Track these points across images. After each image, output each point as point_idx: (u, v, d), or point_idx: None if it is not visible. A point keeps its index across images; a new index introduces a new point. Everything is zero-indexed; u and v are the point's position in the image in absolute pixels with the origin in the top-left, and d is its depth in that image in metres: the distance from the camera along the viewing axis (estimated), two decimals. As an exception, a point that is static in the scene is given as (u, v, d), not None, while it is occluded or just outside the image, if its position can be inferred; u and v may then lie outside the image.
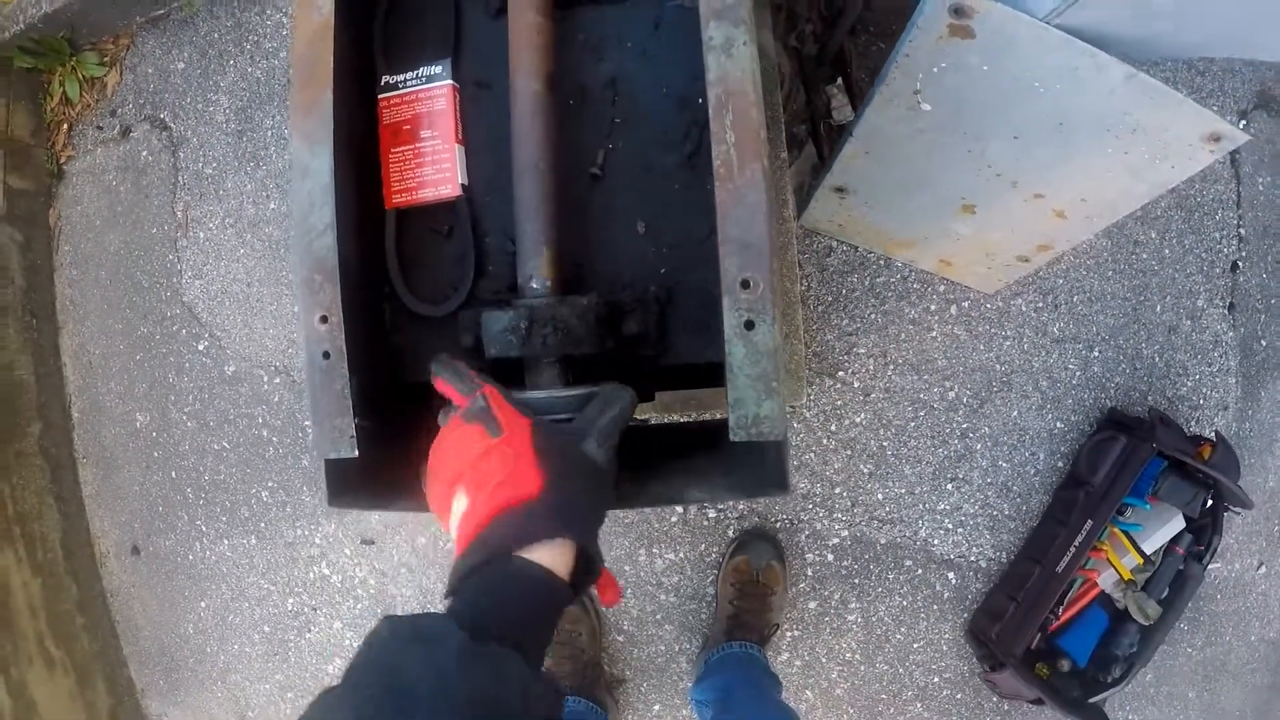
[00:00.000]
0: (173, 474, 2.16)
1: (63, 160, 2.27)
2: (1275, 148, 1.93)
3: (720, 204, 0.69)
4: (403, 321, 0.95)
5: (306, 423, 1.98)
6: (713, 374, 0.80)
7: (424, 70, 0.93)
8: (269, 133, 2.03)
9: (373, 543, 2.00)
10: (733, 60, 0.71)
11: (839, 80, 1.59)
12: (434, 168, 0.92)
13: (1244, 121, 1.91)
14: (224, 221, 2.07)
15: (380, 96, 0.94)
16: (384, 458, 0.83)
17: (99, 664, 2.28)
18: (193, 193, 2.10)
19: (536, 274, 0.82)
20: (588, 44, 0.92)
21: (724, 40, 0.71)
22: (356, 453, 0.78)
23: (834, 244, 1.82)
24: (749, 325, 0.67)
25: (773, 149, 1.26)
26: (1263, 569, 1.94)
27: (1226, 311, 1.89)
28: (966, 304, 1.82)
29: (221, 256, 2.07)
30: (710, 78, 0.71)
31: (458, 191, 0.92)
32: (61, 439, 2.28)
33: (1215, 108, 1.89)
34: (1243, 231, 1.90)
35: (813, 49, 1.52)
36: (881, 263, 1.82)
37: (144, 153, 2.15)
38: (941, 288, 1.82)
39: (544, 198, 0.83)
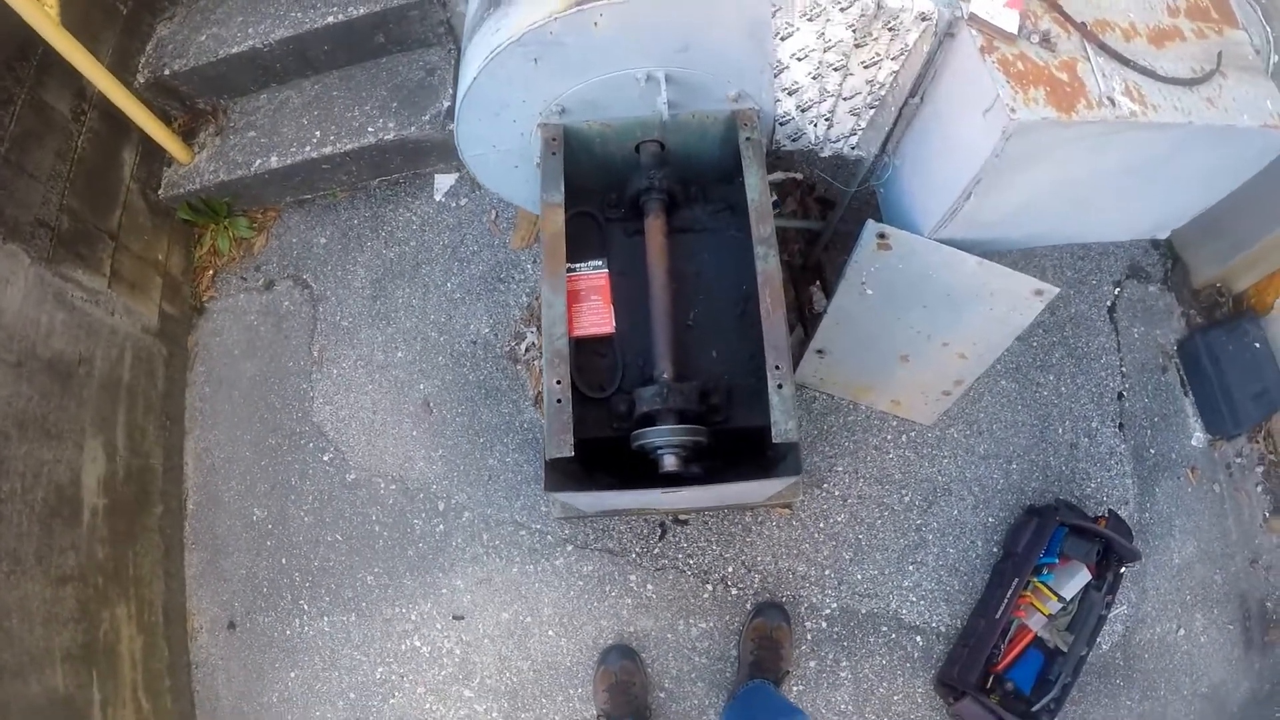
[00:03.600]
0: (283, 560, 3.03)
1: (205, 299, 3.34)
2: (1144, 305, 3.14)
3: (765, 330, 1.72)
4: (576, 401, 1.93)
5: (416, 521, 2.94)
6: (752, 436, 1.80)
7: (592, 262, 2.01)
8: (399, 301, 3.13)
9: (462, 618, 2.85)
10: (768, 263, 1.77)
11: (817, 282, 2.72)
12: (598, 316, 1.97)
13: (1119, 288, 3.10)
14: (355, 363, 3.11)
15: (568, 274, 2.00)
16: (577, 467, 1.80)
17: (176, 724, 3.01)
18: (328, 338, 3.16)
19: (665, 369, 1.84)
20: (685, 251, 2.01)
21: (764, 253, 1.78)
22: (573, 453, 1.73)
23: (816, 394, 2.91)
24: (780, 386, 1.68)
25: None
26: (1182, 631, 2.88)
27: (1118, 429, 2.98)
28: (914, 433, 2.90)
29: (351, 389, 3.09)
30: (758, 269, 1.77)
31: (612, 330, 1.96)
32: (175, 524, 3.16)
33: (1095, 279, 3.12)
34: (1124, 369, 3.04)
35: (799, 261, 2.67)
36: (850, 405, 2.92)
37: (285, 303, 3.23)
38: (894, 422, 2.91)
39: (666, 333, 1.87)
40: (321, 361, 3.14)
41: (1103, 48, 1.68)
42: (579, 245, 2.03)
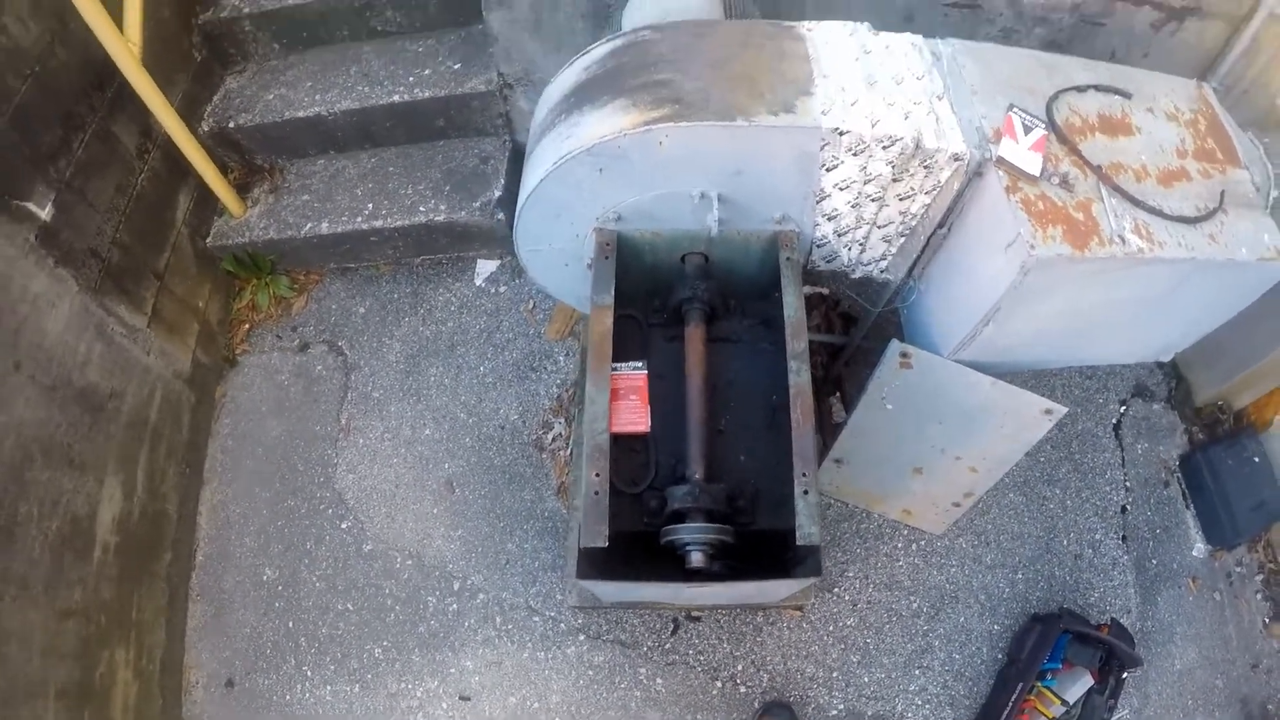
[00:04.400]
0: (290, 623, 3.09)
1: (238, 351, 3.48)
2: (1148, 422, 3.29)
3: (794, 439, 1.85)
4: (609, 494, 2.04)
5: (430, 598, 3.01)
6: (775, 538, 1.91)
7: (633, 363, 2.15)
8: (431, 379, 3.28)
9: (469, 699, 2.90)
10: (801, 377, 1.91)
11: (837, 394, 2.86)
12: (635, 415, 2.11)
13: (1125, 406, 3.24)
14: (382, 435, 3.24)
15: (611, 372, 2.13)
16: (610, 559, 1.89)
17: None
18: (358, 407, 3.30)
19: (696, 470, 1.96)
20: (721, 360, 2.16)
21: (797, 367, 1.92)
22: (607, 544, 1.84)
23: (832, 502, 3.04)
24: (805, 491, 1.80)
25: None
26: (1184, 735, 2.94)
27: (1121, 541, 3.10)
28: (923, 542, 3.02)
29: (376, 461, 3.21)
30: (791, 381, 1.90)
31: (647, 429, 2.09)
32: (183, 573, 3.22)
33: (1101, 398, 3.29)
34: (1128, 484, 3.17)
35: (820, 373, 2.81)
36: (863, 514, 3.05)
37: (319, 367, 3.37)
38: (905, 530, 3.03)
39: (700, 436, 2.00)
40: (349, 430, 3.26)
41: (1116, 189, 1.85)
42: (621, 346, 2.14)
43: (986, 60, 1.99)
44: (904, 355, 2.13)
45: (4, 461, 2.54)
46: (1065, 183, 1.80)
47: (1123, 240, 1.77)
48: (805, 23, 1.98)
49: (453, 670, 2.91)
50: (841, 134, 1.76)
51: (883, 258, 2.13)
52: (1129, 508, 3.13)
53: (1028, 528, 3.05)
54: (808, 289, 2.32)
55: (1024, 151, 1.81)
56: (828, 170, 1.86)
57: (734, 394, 2.15)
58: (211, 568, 3.21)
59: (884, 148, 1.78)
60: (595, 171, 1.91)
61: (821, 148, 1.79)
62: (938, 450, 2.44)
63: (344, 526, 3.13)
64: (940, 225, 1.96)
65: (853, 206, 1.96)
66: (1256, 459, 3.05)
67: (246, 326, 3.50)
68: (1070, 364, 2.48)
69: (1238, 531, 3.06)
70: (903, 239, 2.06)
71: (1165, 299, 1.99)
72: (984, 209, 1.86)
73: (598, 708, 2.83)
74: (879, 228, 2.02)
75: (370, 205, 3.20)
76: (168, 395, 3.19)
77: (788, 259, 2.02)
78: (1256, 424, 3.13)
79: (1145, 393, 3.32)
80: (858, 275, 2.21)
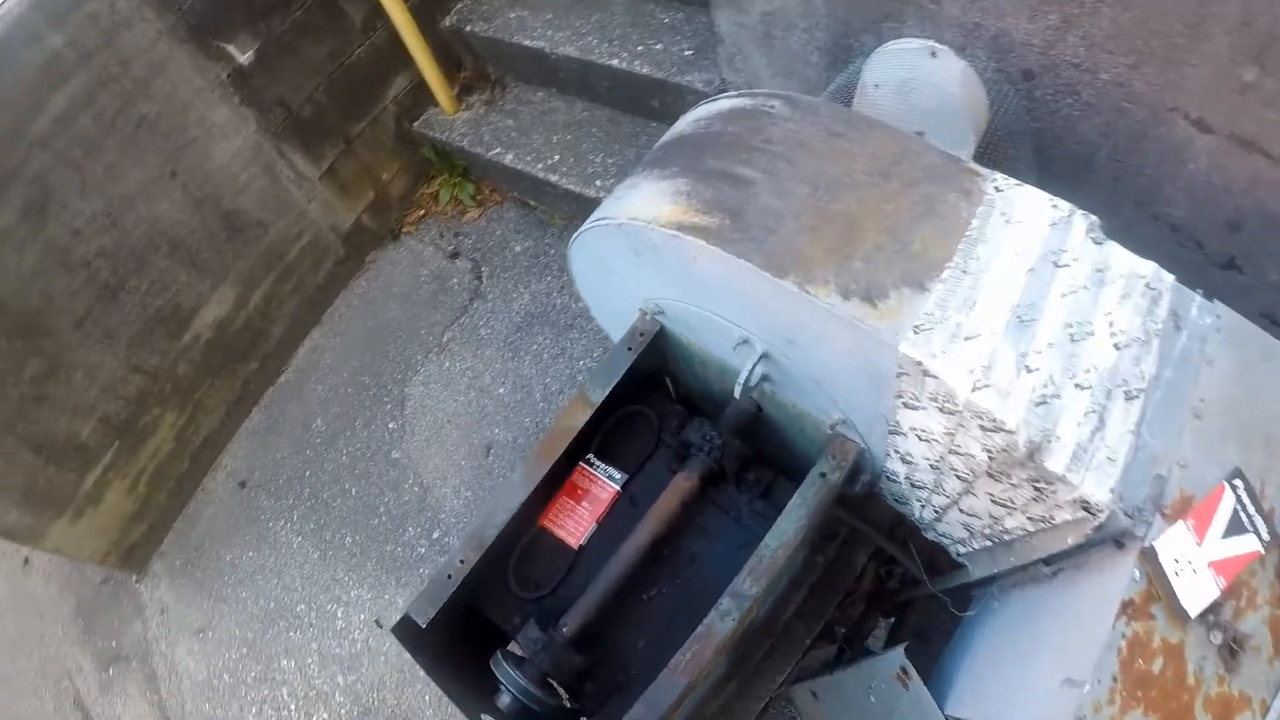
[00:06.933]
0: (307, 472, 2.84)
1: (403, 230, 3.16)
2: None
3: (659, 681, 1.18)
4: (500, 586, 1.49)
5: (410, 529, 2.63)
6: None
7: (611, 471, 1.52)
8: (535, 346, 2.78)
9: (381, 627, 2.55)
10: (723, 622, 1.21)
11: (892, 619, 2.00)
12: (574, 524, 1.50)
13: None
14: (464, 370, 2.81)
15: (580, 464, 1.54)
16: (433, 638, 1.36)
17: (159, 520, 3.00)
18: (463, 334, 2.88)
19: (570, 626, 1.35)
20: (698, 527, 1.47)
21: (728, 608, 1.22)
22: (425, 625, 1.31)
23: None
24: None
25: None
26: None
27: None
28: None
29: (447, 388, 2.80)
30: (705, 621, 1.21)
31: (576, 544, 1.48)
32: (260, 384, 3.06)
33: None
34: None
35: (892, 583, 1.97)
36: None
37: (455, 280, 2.98)
38: None
39: (602, 594, 1.36)
40: (444, 348, 2.88)
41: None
42: (616, 444, 1.56)
43: (1252, 367, 1.07)
44: (904, 673, 1.36)
45: (132, 241, 2.54)
46: (1231, 649, 0.92)
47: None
48: (1001, 177, 1.15)
49: (386, 597, 2.58)
50: (925, 374, 1.01)
51: (960, 543, 1.34)
52: None
53: None
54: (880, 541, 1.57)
55: (1202, 557, 0.94)
56: (906, 406, 1.11)
57: (688, 570, 1.44)
58: (284, 391, 3.05)
59: (983, 428, 1.01)
60: (631, 251, 1.28)
61: (898, 375, 1.06)
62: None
63: (390, 426, 2.80)
64: (1046, 563, 1.16)
65: (932, 468, 1.18)
66: None
67: (421, 213, 3.18)
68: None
69: None
70: (989, 544, 1.27)
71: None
72: (1084, 599, 1.04)
73: None
74: (960, 511, 1.24)
75: (557, 157, 2.70)
76: (316, 241, 2.98)
77: (821, 474, 1.29)
78: None
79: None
80: (931, 537, 1.44)
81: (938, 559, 1.61)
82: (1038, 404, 0.98)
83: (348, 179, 2.97)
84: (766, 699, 1.69)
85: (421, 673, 2.35)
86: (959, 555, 1.40)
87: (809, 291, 1.01)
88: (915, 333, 1.00)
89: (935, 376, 0.98)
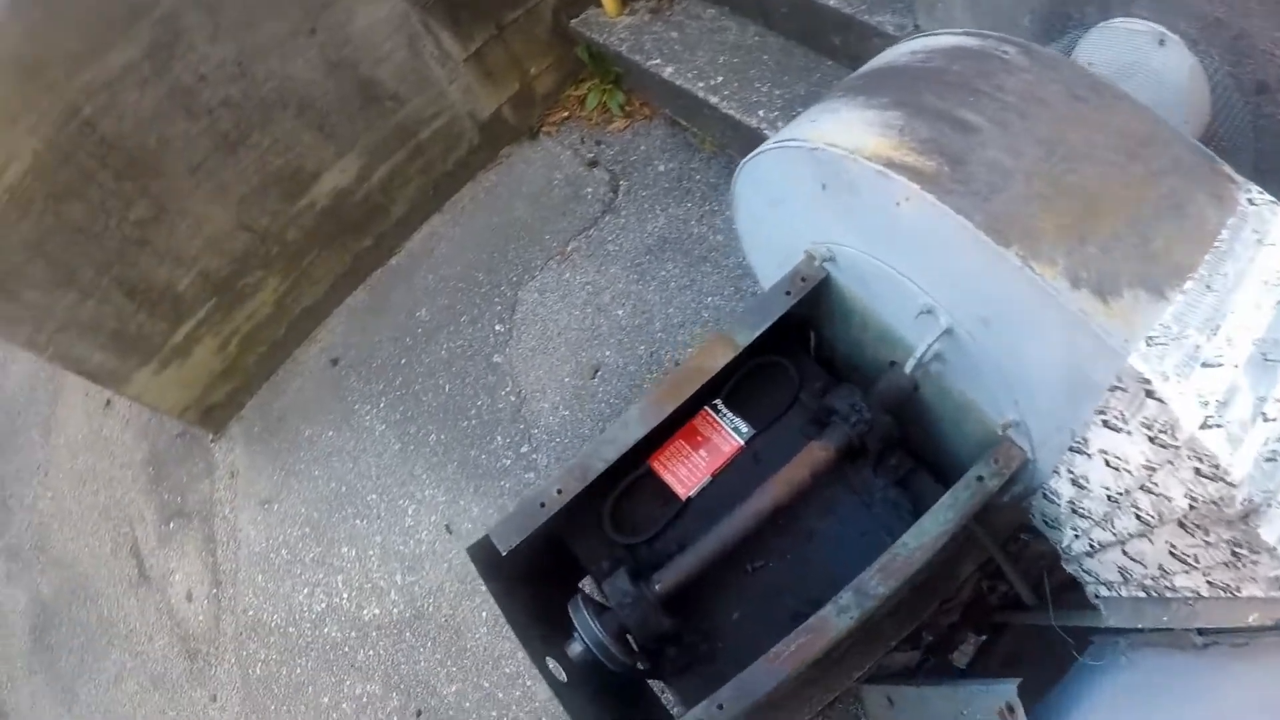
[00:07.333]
0: (403, 360, 2.92)
1: (543, 129, 3.14)
2: None
3: (751, 667, 1.15)
4: (591, 522, 1.47)
5: (499, 438, 2.68)
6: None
7: (738, 423, 1.48)
8: (662, 273, 2.74)
9: (451, 534, 2.61)
10: (839, 619, 1.15)
11: (984, 636, 1.92)
12: (687, 471, 1.47)
13: None
14: (584, 285, 2.81)
15: (705, 408, 1.50)
16: (509, 567, 1.37)
17: (244, 383, 3.13)
18: (589, 245, 2.86)
19: (662, 583, 1.32)
20: (823, 502, 1.41)
21: (847, 603, 1.17)
22: (504, 553, 1.31)
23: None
24: None
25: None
26: None
27: None
28: None
29: (562, 300, 2.81)
30: (822, 613, 1.17)
31: (684, 495, 1.45)
32: (370, 263, 3.13)
33: None
34: None
35: (993, 599, 1.88)
36: None
37: (589, 189, 2.95)
38: None
39: (707, 557, 1.33)
40: (565, 257, 2.87)
41: None
42: (749, 395, 1.51)
43: None
44: (1009, 710, 1.28)
45: (260, 94, 2.56)
46: None
47: None
48: (1257, 190, 1.02)
49: (461, 503, 2.64)
50: (1150, 394, 0.91)
51: (1106, 586, 1.25)
52: None
53: None
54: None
55: None
56: (1103, 423, 1.02)
57: (803, 548, 1.41)
58: (394, 274, 3.12)
59: (1198, 472, 0.91)
60: (817, 184, 1.20)
61: (1111, 389, 0.96)
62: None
63: (497, 328, 2.84)
64: (1201, 632, 1.06)
65: (1109, 500, 1.09)
66: None
67: (564, 115, 3.14)
68: None
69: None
70: (1143, 595, 1.17)
71: None
72: (1241, 686, 0.96)
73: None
74: (1125, 553, 1.14)
75: (720, 78, 2.60)
76: (451, 125, 2.99)
77: (979, 478, 1.21)
78: None
79: None
80: (1069, 570, 1.34)
81: (1044, 584, 1.53)
82: (1267, 459, 0.88)
83: (494, 66, 2.95)
84: (838, 692, 1.65)
85: (483, 587, 2.44)
86: (1096, 597, 1.30)
87: (1033, 268, 0.92)
88: (1148, 344, 0.90)
89: (1161, 401, 0.88)
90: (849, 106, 1.21)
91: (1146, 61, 1.52)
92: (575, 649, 1.33)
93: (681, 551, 1.37)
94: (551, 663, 1.39)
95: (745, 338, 1.37)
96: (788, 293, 1.39)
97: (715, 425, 1.50)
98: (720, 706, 1.15)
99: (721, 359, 1.37)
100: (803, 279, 1.39)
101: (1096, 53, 1.52)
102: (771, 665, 1.16)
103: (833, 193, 1.18)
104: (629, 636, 1.33)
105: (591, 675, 1.41)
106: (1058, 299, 0.91)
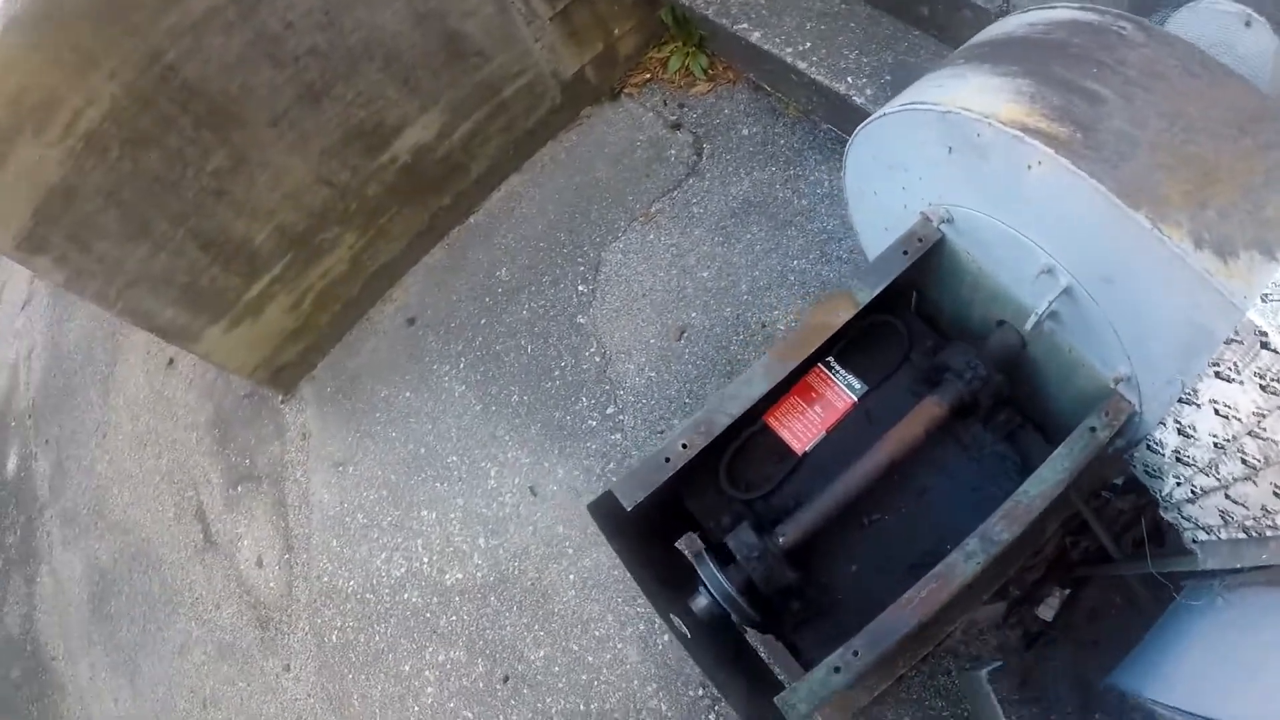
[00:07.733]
0: (483, 320, 3.10)
1: (624, 90, 3.30)
2: None
3: (884, 614, 1.31)
4: (708, 479, 1.64)
5: (584, 399, 2.83)
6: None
7: (852, 379, 1.64)
8: (747, 236, 2.88)
9: (536, 495, 2.77)
10: (967, 563, 1.31)
11: (1068, 590, 2.08)
12: (803, 427, 1.63)
13: None
14: (669, 246, 2.97)
15: (818, 365, 1.66)
16: (633, 524, 1.54)
17: (317, 343, 3.27)
18: (672, 207, 3.03)
19: (787, 537, 1.48)
20: (936, 461, 1.58)
21: (973, 549, 1.33)
22: (629, 509, 1.48)
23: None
24: (836, 670, 1.29)
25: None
26: None
27: None
28: None
29: (646, 261, 2.97)
30: (949, 560, 1.33)
31: (800, 451, 1.62)
32: (448, 221, 3.28)
33: None
34: None
35: (1075, 554, 2.04)
36: None
37: (672, 151, 3.11)
38: None
39: (826, 510, 1.48)
40: (649, 218, 3.03)
41: None
42: (861, 352, 1.67)
43: None
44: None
45: (347, 45, 2.61)
46: None
47: None
48: None
49: (546, 465, 2.78)
50: (1265, 345, 1.06)
51: (1206, 530, 1.40)
52: None
53: None
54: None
55: None
56: (1216, 374, 1.17)
57: (915, 502, 1.57)
58: (473, 233, 3.28)
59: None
60: (943, 147, 1.35)
61: (1228, 340, 1.11)
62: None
63: (580, 289, 3.00)
64: None
65: (1215, 447, 1.25)
66: None
67: (647, 76, 3.28)
68: None
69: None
70: (1244, 535, 1.32)
71: None
72: None
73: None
74: (1228, 497, 1.30)
75: (808, 44, 2.73)
76: (534, 84, 3.11)
77: (1092, 429, 1.36)
78: None
79: None
80: (1167, 516, 1.50)
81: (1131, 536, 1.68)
82: (1373, 401, 1.02)
83: (579, 26, 3.07)
84: (934, 645, 1.81)
85: (570, 549, 2.65)
86: (1194, 541, 1.45)
87: (1161, 230, 1.07)
88: (1263, 300, 1.05)
89: (1275, 351, 1.03)
90: (976, 73, 1.36)
91: (1232, 42, 1.62)
92: (701, 602, 1.47)
93: (800, 506, 1.53)
94: (675, 620, 1.51)
95: (865, 295, 1.53)
96: (905, 252, 1.54)
97: (829, 382, 1.65)
98: (856, 653, 1.30)
99: (844, 315, 1.53)
100: (919, 239, 1.54)
101: (1184, 31, 1.64)
102: (902, 612, 1.31)
103: (959, 155, 1.34)
104: (754, 590, 1.46)
105: (710, 631, 1.57)
106: (1185, 259, 1.06)
